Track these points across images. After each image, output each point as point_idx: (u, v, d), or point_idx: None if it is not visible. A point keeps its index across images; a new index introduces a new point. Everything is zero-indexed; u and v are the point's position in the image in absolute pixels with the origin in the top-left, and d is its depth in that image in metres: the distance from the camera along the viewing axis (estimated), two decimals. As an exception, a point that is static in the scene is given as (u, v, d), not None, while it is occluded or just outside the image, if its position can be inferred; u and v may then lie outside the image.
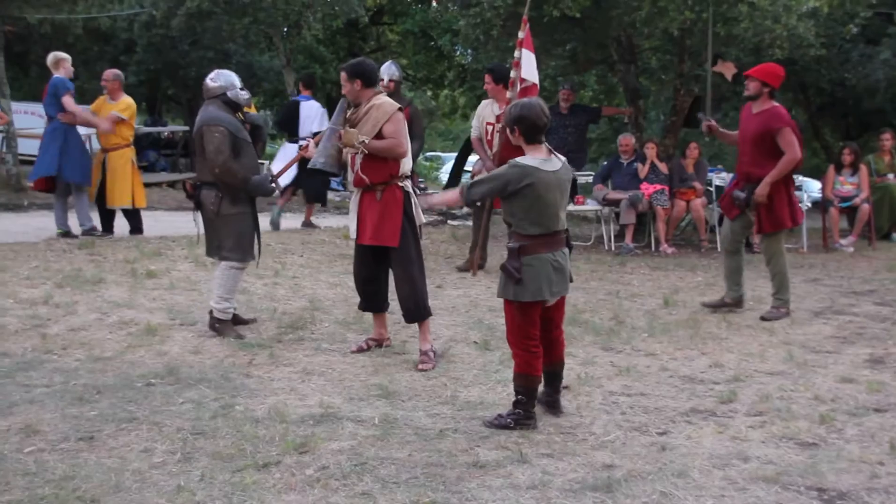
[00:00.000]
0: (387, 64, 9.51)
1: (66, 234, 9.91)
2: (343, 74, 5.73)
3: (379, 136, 5.61)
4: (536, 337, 4.59)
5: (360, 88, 5.68)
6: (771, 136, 7.13)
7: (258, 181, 6.29)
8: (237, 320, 6.50)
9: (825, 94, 17.19)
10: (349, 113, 5.76)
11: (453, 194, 4.71)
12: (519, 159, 4.51)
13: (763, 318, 7.17)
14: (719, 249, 11.50)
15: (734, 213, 7.47)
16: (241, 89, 6.43)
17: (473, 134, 9.34)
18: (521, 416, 4.55)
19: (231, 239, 6.29)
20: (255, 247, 6.46)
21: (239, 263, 6.34)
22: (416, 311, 5.79)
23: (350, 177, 5.82)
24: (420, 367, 5.60)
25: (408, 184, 5.81)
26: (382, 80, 8.83)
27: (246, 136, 6.39)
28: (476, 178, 4.68)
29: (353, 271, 6.08)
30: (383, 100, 5.73)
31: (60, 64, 10.03)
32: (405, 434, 4.39)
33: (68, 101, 9.82)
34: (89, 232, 9.99)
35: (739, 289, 7.53)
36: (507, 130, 4.60)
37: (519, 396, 4.58)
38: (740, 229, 7.50)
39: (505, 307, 4.62)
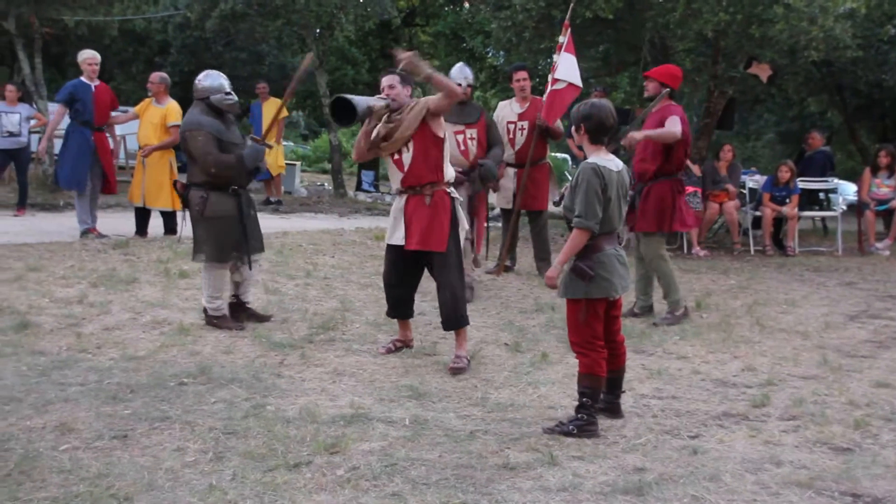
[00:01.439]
0: (459, 66, 8.31)
1: (98, 233, 10.02)
2: (397, 78, 5.70)
3: (422, 129, 5.63)
4: (602, 336, 4.57)
5: (408, 94, 5.75)
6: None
7: (249, 152, 6.40)
8: (256, 316, 6.61)
9: (861, 96, 16.99)
10: (391, 117, 5.70)
11: (576, 239, 4.48)
12: (591, 159, 4.54)
13: (655, 324, 7.07)
14: (752, 252, 11.46)
15: (630, 217, 7.34)
16: (228, 94, 6.44)
17: None
18: (584, 423, 4.48)
19: (211, 240, 6.37)
20: (244, 248, 6.48)
21: (218, 263, 6.40)
22: (455, 319, 5.74)
23: (396, 179, 5.79)
24: (451, 366, 5.60)
25: (453, 190, 5.82)
26: (459, 84, 7.40)
27: (232, 138, 6.43)
28: (570, 206, 4.56)
29: (384, 277, 6.03)
30: (414, 101, 5.76)
31: (81, 65, 10.11)
32: (435, 435, 4.40)
33: (58, 110, 10.06)
34: (86, 233, 9.96)
35: (648, 299, 7.48)
36: (573, 128, 4.64)
37: (584, 399, 4.51)
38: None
39: (569, 308, 4.58)
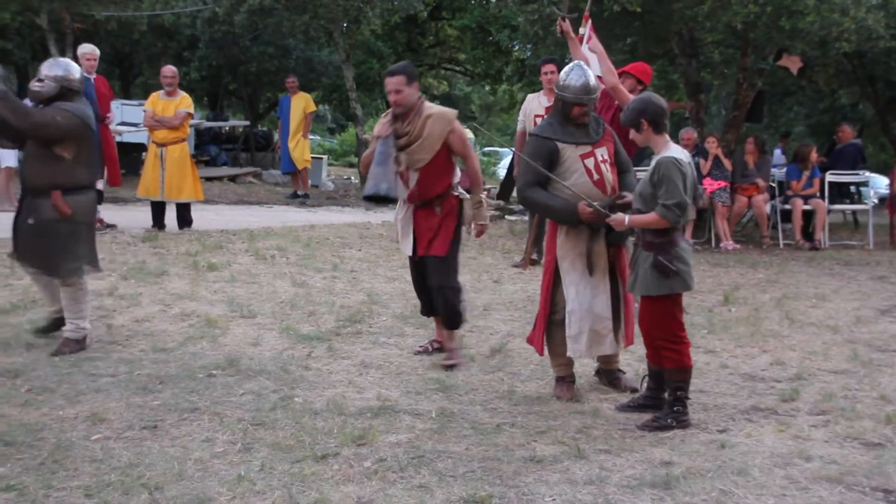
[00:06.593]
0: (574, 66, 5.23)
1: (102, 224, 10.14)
2: (402, 79, 5.32)
3: (443, 149, 5.44)
4: (684, 327, 4.59)
5: (414, 91, 5.42)
6: None
7: None
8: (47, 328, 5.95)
9: (895, 88, 16.80)
10: (400, 126, 5.41)
11: (654, 222, 4.44)
12: (670, 152, 4.49)
13: None
14: (781, 246, 11.37)
15: None
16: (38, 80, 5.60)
17: (519, 128, 9.27)
18: (680, 414, 4.51)
19: None
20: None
21: None
22: (456, 318, 5.67)
23: (402, 193, 5.58)
24: (447, 362, 5.52)
25: (461, 191, 5.72)
26: (582, 104, 5.03)
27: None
28: (663, 198, 4.47)
29: (413, 282, 5.93)
30: (435, 108, 5.51)
31: (79, 59, 9.75)
32: (462, 428, 4.40)
33: None
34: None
35: None
36: (633, 131, 4.59)
37: (679, 392, 4.53)
38: None
39: (648, 305, 4.54)
